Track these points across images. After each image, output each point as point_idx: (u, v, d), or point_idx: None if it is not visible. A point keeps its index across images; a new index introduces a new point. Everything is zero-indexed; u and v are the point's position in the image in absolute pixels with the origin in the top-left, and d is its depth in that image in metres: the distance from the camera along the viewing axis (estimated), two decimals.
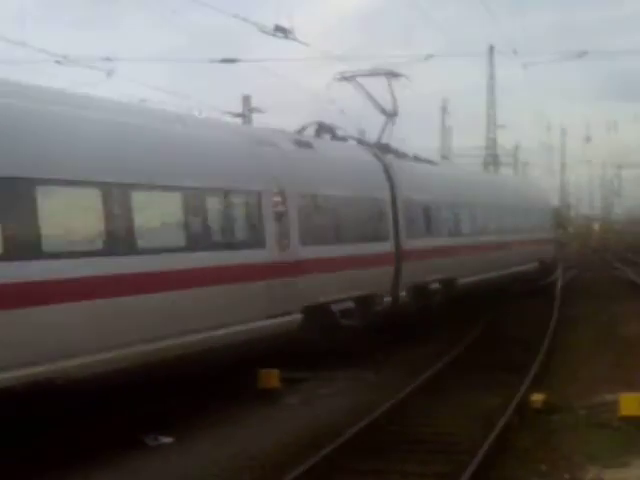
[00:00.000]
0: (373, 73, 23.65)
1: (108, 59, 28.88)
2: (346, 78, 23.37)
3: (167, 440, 12.38)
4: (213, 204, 14.30)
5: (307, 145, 18.35)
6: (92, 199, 11.63)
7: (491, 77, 66.70)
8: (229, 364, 15.22)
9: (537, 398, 14.19)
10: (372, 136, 24.15)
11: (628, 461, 11.19)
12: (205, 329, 13.46)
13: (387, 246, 20.45)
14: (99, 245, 11.68)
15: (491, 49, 64.29)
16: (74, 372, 10.99)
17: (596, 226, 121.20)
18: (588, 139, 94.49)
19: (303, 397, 15.46)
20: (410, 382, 15.91)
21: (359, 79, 23.44)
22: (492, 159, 68.32)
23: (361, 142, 22.91)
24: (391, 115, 24.02)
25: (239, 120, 39.40)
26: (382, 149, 22.86)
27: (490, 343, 21.77)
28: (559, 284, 37.22)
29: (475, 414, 13.92)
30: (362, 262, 18.81)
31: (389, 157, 22.43)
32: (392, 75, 23.40)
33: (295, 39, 21.72)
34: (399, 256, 20.85)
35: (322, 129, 21.03)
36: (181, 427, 12.86)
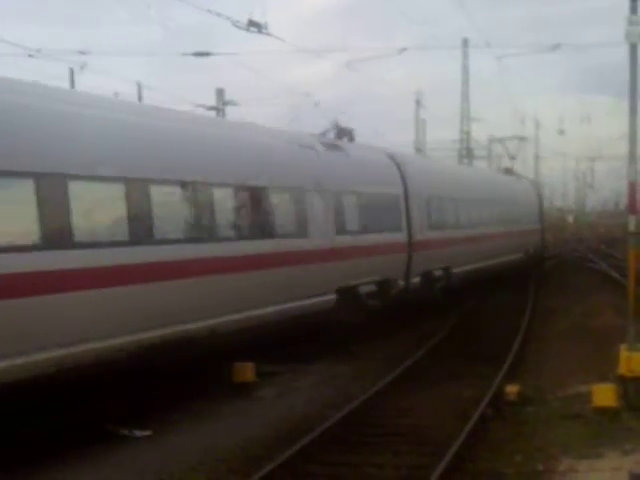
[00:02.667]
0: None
1: (81, 52, 28.77)
2: None
3: (143, 434, 12.36)
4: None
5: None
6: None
7: (465, 70, 66.87)
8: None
9: (511, 390, 14.26)
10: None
11: (602, 452, 11.26)
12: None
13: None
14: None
15: (465, 42, 64.43)
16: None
17: (570, 218, 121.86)
18: (562, 132, 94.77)
19: (278, 390, 15.47)
20: (385, 374, 15.95)
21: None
22: (466, 152, 68.48)
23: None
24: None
25: (213, 113, 39.31)
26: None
27: (465, 335, 21.86)
28: (532, 277, 37.43)
29: (450, 406, 13.99)
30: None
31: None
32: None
33: (269, 34, 21.69)
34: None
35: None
36: (156, 421, 12.84)
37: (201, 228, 14.46)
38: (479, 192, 31.97)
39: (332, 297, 18.83)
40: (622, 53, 14.38)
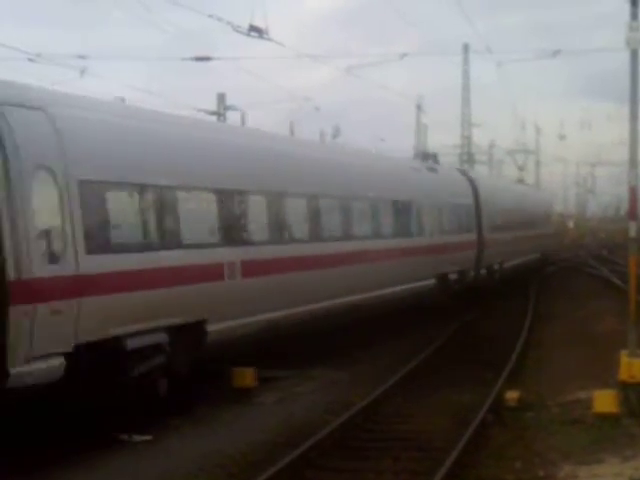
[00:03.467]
0: None
1: (81, 57, 28.76)
2: None
3: (142, 439, 12.34)
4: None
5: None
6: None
7: (466, 76, 66.86)
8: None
9: (512, 395, 14.25)
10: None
11: (602, 458, 11.24)
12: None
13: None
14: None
15: (466, 48, 64.38)
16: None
17: (570, 223, 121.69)
18: (562, 137, 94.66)
19: (278, 396, 15.44)
20: (386, 380, 15.93)
21: None
22: (467, 157, 68.45)
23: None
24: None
25: (214, 118, 39.30)
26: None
27: (466, 340, 21.85)
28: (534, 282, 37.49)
29: (450, 411, 13.97)
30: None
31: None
32: None
33: (270, 39, 21.67)
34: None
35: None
36: (156, 426, 12.81)
37: (372, 230, 21.21)
38: (520, 203, 40.77)
39: (433, 281, 25.24)
40: (623, 59, 14.39)
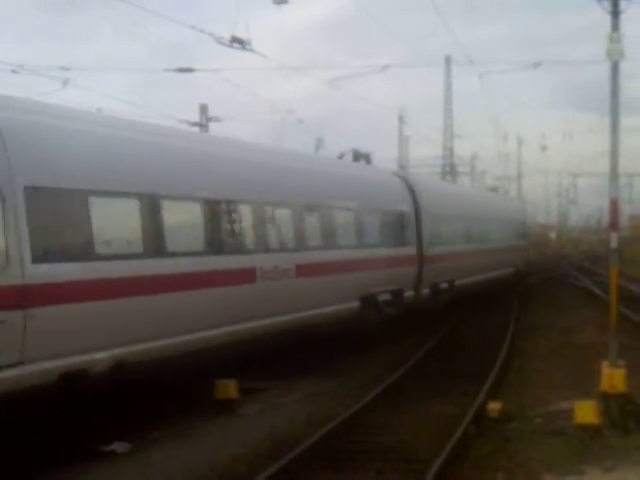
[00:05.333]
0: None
1: (64, 68, 28.72)
2: None
3: (123, 450, 12.29)
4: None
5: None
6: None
7: (448, 87, 67.02)
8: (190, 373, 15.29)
9: (494, 406, 14.26)
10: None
11: (584, 469, 11.25)
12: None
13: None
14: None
15: (448, 59, 64.59)
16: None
17: (552, 234, 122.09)
18: (544, 148, 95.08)
19: (261, 407, 15.41)
20: (368, 391, 15.92)
21: None
22: (450, 168, 68.61)
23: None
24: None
25: (196, 129, 39.29)
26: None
27: (448, 350, 21.87)
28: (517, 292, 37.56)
29: (433, 422, 13.97)
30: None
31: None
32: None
33: (252, 50, 21.69)
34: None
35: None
36: (138, 437, 12.76)
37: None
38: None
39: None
40: (604, 71, 14.43)
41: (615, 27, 14.45)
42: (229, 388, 15.40)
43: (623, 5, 14.53)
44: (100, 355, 12.12)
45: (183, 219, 14.72)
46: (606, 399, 13.40)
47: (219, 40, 21.01)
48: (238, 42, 21.24)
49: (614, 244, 14.60)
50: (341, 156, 25.42)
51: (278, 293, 17.05)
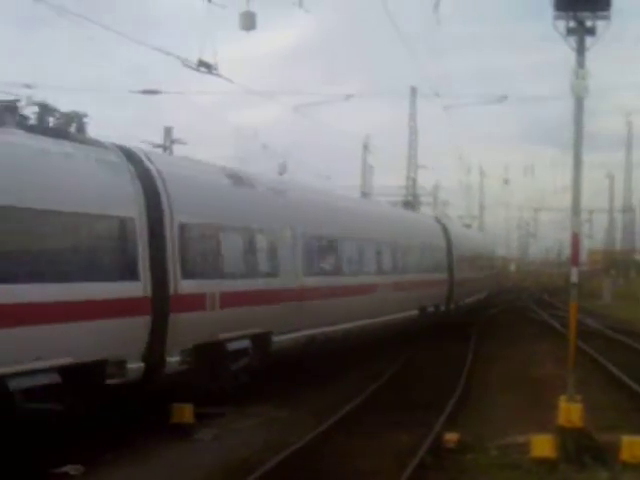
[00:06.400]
0: None
1: (28, 86, 28.45)
2: None
3: (75, 472, 12.10)
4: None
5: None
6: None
7: (412, 118, 67.39)
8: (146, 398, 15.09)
9: (451, 437, 14.21)
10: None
11: None
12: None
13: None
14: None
15: (413, 90, 64.91)
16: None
17: (512, 267, 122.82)
18: (506, 181, 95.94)
19: (216, 432, 15.27)
20: (325, 419, 15.83)
21: None
22: (412, 198, 68.84)
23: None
24: None
25: (160, 150, 39.11)
26: None
27: (406, 381, 21.83)
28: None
29: (389, 452, 13.90)
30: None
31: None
32: None
33: (219, 74, 21.68)
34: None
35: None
36: (91, 459, 12.57)
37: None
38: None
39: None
40: (566, 106, 14.60)
41: (580, 64, 14.59)
42: (185, 412, 15.26)
43: (588, 42, 14.71)
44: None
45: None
46: (563, 433, 13.44)
47: (185, 63, 20.98)
48: (205, 66, 21.22)
49: (574, 278, 14.68)
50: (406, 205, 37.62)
51: (386, 300, 26.32)
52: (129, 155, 15.33)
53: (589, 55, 14.63)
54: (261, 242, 18.89)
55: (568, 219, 15.29)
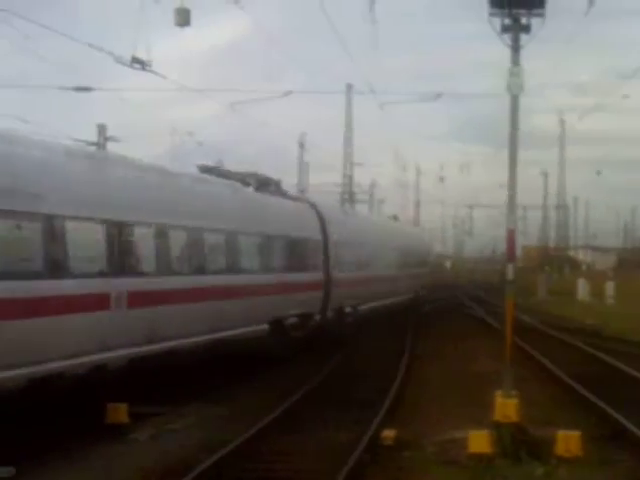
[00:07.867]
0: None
1: None
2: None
3: (6, 474, 11.83)
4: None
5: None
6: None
7: (348, 115, 67.56)
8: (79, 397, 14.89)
9: (388, 434, 14.21)
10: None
11: None
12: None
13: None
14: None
15: (349, 87, 64.95)
16: None
17: (448, 264, 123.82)
18: (442, 179, 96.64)
19: (152, 432, 15.10)
20: (263, 417, 15.73)
21: None
22: (349, 196, 69.00)
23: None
24: None
25: (93, 148, 38.69)
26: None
27: (343, 378, 21.81)
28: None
29: (327, 450, 13.85)
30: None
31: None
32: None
33: (153, 71, 21.48)
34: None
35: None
36: (23, 461, 12.31)
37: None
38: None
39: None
40: (502, 104, 14.66)
41: (515, 61, 14.68)
42: (119, 412, 15.08)
43: (524, 40, 14.81)
44: None
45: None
46: (499, 429, 13.51)
47: (118, 60, 20.75)
48: (138, 62, 21.02)
49: (510, 275, 14.76)
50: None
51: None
52: (311, 204, 28.90)
53: (524, 53, 14.75)
54: None
55: (503, 216, 15.38)
